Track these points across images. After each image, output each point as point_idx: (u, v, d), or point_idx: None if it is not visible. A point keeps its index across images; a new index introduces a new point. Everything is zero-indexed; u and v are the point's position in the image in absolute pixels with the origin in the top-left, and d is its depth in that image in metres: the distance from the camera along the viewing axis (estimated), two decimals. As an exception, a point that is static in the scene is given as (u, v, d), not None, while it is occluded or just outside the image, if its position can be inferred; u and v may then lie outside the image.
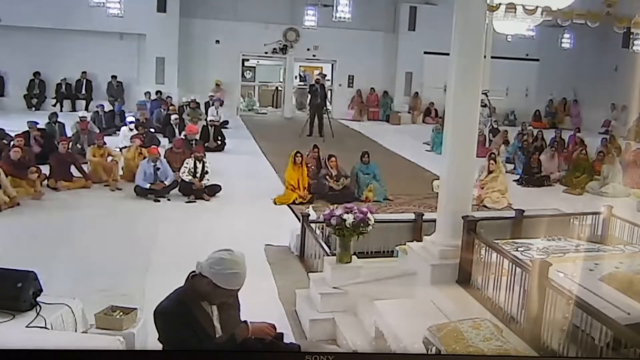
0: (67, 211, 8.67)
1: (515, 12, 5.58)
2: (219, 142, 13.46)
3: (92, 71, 17.84)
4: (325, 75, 20.04)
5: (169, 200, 9.37)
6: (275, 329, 3.00)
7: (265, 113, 20.92)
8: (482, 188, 10.03)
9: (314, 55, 20.08)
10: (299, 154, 9.77)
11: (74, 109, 16.82)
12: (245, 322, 2.99)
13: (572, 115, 20.45)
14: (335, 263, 5.61)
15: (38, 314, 4.23)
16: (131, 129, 12.33)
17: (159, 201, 9.25)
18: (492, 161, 10.42)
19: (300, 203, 9.25)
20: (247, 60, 20.92)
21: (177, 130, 13.43)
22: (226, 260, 2.86)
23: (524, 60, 20.53)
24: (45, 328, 4.13)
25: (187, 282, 2.93)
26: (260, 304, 4.55)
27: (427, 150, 14.74)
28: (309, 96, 16.30)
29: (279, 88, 21.65)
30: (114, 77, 17.84)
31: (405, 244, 6.19)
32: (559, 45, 17.89)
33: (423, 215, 7.07)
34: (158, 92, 17.14)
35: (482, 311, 4.71)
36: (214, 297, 2.89)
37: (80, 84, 17.85)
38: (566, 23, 5.74)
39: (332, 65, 20.59)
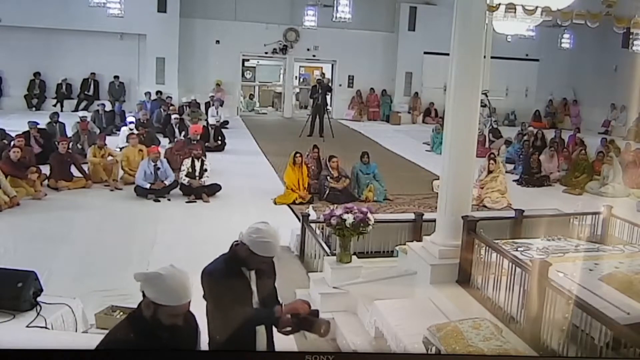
0: (67, 211, 8.66)
1: (515, 12, 5.57)
2: (219, 142, 13.47)
3: (92, 71, 17.83)
4: (324, 75, 19.98)
5: (169, 200, 9.37)
6: (309, 306, 3.28)
7: (265, 113, 20.95)
8: (482, 188, 10.04)
9: (314, 56, 20.08)
10: (298, 154, 9.77)
11: (77, 109, 16.86)
12: (280, 304, 3.34)
13: (572, 115, 20.45)
14: (335, 263, 5.62)
15: (38, 313, 4.24)
16: (131, 129, 12.34)
17: (159, 201, 9.25)
18: (492, 161, 10.43)
19: (300, 203, 9.26)
20: (247, 60, 20.94)
21: (177, 130, 13.45)
22: (262, 230, 3.20)
23: (524, 60, 20.54)
24: (46, 328, 4.14)
25: (231, 249, 3.28)
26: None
27: (427, 150, 14.75)
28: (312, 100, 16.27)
29: (278, 90, 21.70)
30: (116, 77, 17.84)
31: (405, 244, 6.20)
32: (559, 45, 17.88)
33: (423, 215, 7.07)
34: (158, 92, 17.15)
35: (482, 311, 4.71)
36: (250, 263, 3.23)
37: (88, 84, 17.86)
38: (566, 23, 5.73)
39: (332, 65, 20.59)
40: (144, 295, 2.62)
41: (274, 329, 3.34)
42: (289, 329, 3.24)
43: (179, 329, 2.66)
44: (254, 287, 3.29)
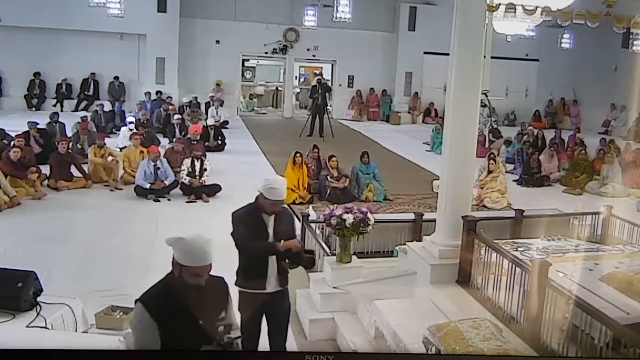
0: (67, 211, 8.66)
1: (515, 12, 5.58)
2: (219, 142, 13.47)
3: (92, 71, 17.84)
4: (322, 74, 19.98)
5: (169, 200, 9.37)
6: (302, 246, 4.17)
7: (265, 113, 20.95)
8: (482, 188, 10.04)
9: (314, 56, 20.07)
10: (298, 154, 9.78)
11: (77, 109, 16.86)
12: (278, 241, 4.02)
13: (571, 115, 20.44)
14: (335, 263, 5.62)
15: (38, 313, 4.23)
16: (131, 129, 12.34)
17: (159, 201, 9.25)
18: (491, 161, 10.42)
19: (300, 203, 9.26)
20: (247, 60, 20.93)
21: (177, 130, 13.45)
22: (269, 178, 4.06)
23: (524, 60, 20.53)
24: (46, 328, 4.14)
25: (255, 199, 4.05)
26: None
27: (427, 150, 14.75)
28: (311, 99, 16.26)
29: (279, 88, 21.69)
30: (116, 77, 17.82)
31: (405, 244, 6.20)
32: (559, 45, 17.89)
33: (423, 215, 7.07)
34: (158, 92, 17.15)
35: (482, 311, 4.71)
36: (267, 207, 4.00)
37: (88, 84, 17.85)
38: (566, 23, 5.74)
39: (332, 65, 20.57)
40: (174, 257, 2.98)
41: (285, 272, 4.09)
42: (287, 261, 3.96)
43: (204, 289, 2.96)
44: (270, 230, 4.03)
